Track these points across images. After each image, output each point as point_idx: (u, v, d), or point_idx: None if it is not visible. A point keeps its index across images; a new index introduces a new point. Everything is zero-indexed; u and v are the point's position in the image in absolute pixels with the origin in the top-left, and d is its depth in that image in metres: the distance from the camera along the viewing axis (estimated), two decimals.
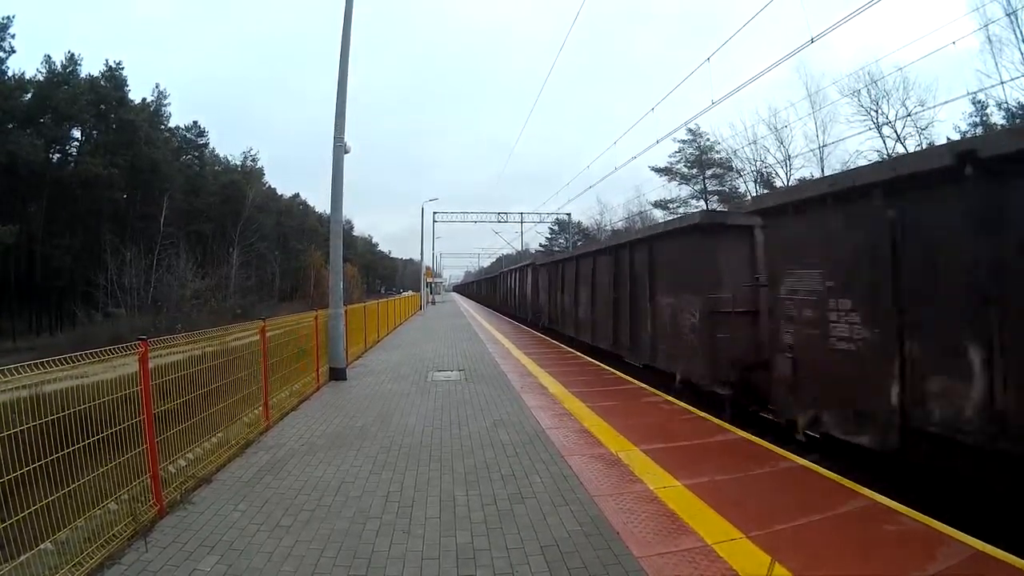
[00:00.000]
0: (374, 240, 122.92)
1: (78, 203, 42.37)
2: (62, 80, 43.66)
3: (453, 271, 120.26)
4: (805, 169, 38.19)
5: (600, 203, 60.16)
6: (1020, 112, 26.26)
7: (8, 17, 40.26)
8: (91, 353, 3.48)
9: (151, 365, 3.94)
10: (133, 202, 47.02)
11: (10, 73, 40.65)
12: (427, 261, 45.81)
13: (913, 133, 32.09)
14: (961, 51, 39.15)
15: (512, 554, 3.26)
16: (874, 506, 3.74)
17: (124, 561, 3.22)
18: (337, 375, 9.21)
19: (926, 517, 3.51)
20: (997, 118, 28.16)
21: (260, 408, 6.11)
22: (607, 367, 10.25)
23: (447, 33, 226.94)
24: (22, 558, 2.87)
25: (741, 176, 44.53)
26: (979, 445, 3.78)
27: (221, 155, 62.92)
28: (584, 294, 13.56)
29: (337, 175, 9.75)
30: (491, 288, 43.83)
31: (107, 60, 47.83)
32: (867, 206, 4.66)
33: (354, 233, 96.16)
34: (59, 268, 40.34)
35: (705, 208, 41.51)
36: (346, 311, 10.25)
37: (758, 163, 42.05)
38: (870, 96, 33.12)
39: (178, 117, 59.24)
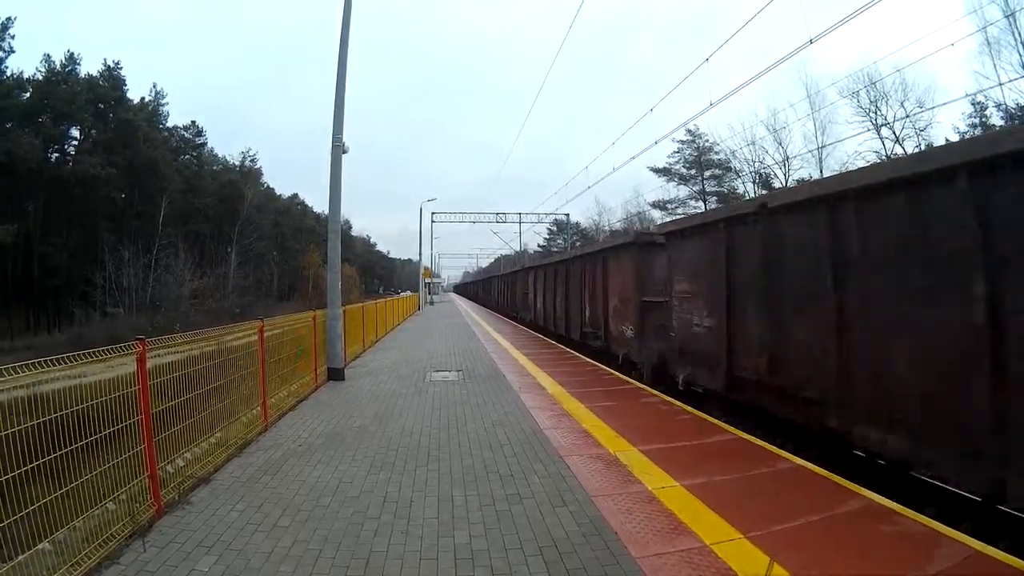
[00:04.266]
0: (372, 240, 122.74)
1: (76, 202, 42.24)
2: (61, 79, 43.55)
3: (452, 271, 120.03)
4: (804, 170, 38.22)
5: (599, 204, 59.75)
6: (1019, 113, 26.31)
7: (9, 18, 40.24)
8: (89, 353, 3.47)
9: (149, 365, 3.93)
10: (131, 201, 46.87)
11: (9, 72, 40.60)
12: (425, 261, 45.90)
13: (912, 134, 32.21)
14: (960, 53, 39.12)
15: (510, 554, 3.26)
16: (872, 506, 3.74)
17: (122, 561, 3.22)
18: (335, 375, 9.19)
19: (924, 517, 3.52)
20: (996, 119, 28.23)
21: (258, 408, 6.10)
22: (604, 367, 10.25)
23: (444, 37, 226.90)
24: (20, 558, 2.87)
25: (740, 177, 44.58)
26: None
27: (219, 155, 62.85)
28: (560, 293, 15.74)
29: (335, 175, 9.72)
30: (487, 288, 43.93)
31: (105, 59, 47.82)
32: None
33: (352, 233, 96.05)
34: (57, 267, 40.23)
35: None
36: (344, 311, 10.24)
37: (757, 164, 42.14)
38: (869, 97, 33.25)
39: (176, 117, 59.20)
